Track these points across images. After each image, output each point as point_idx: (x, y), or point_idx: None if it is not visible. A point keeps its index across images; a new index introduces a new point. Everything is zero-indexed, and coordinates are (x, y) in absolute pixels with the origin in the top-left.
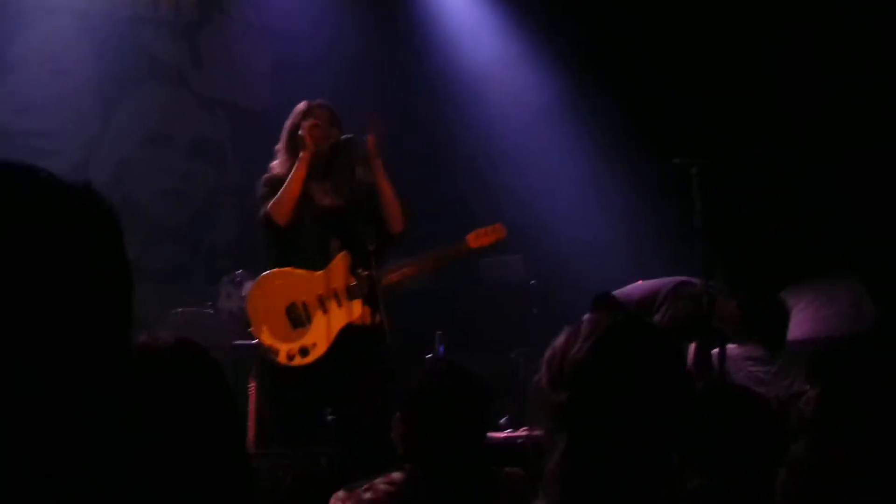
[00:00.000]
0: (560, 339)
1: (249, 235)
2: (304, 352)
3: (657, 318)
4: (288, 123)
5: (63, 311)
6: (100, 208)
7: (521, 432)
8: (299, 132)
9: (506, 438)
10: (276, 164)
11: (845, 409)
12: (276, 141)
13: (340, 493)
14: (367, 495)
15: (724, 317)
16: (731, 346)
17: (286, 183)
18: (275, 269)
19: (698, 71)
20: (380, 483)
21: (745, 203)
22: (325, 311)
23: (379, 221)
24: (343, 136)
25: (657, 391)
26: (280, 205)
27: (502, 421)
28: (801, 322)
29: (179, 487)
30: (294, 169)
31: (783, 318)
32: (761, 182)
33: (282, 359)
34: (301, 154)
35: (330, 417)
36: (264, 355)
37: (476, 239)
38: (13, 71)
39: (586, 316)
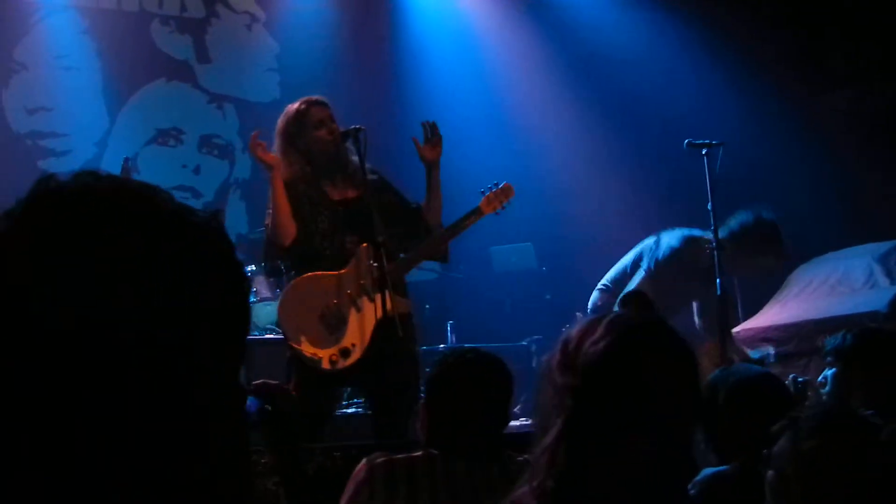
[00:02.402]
0: (580, 326)
1: (259, 229)
2: (345, 353)
3: None
4: (280, 126)
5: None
6: (219, 250)
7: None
8: (259, 153)
9: (519, 427)
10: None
11: (859, 388)
12: None
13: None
14: (381, 460)
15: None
16: (745, 328)
17: (273, 207)
18: (301, 277)
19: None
20: (400, 455)
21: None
22: (359, 309)
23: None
24: (351, 128)
25: (665, 399)
26: (278, 229)
27: (516, 409)
28: (816, 301)
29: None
30: (273, 191)
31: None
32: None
33: (325, 365)
34: (272, 175)
35: (340, 413)
36: (308, 364)
37: (489, 204)
38: (21, 71)
39: (614, 310)
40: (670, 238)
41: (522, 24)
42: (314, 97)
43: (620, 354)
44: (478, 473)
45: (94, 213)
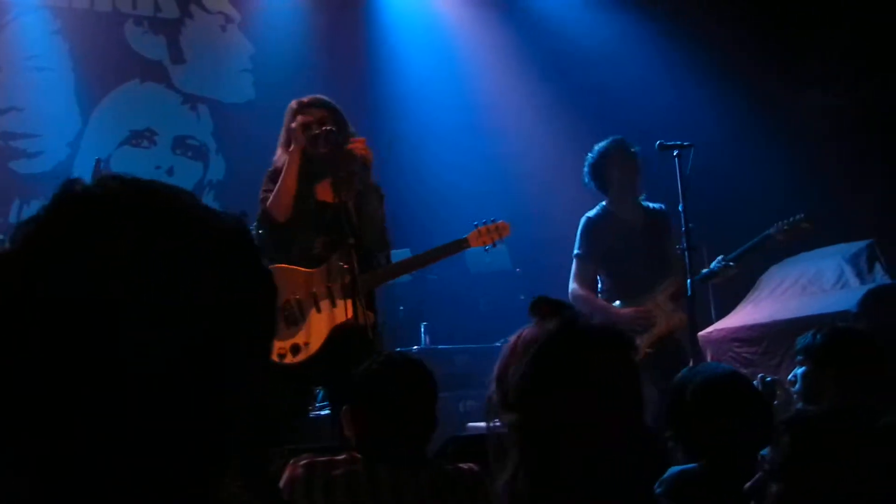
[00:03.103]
0: (503, 354)
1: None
2: (295, 350)
3: None
4: (285, 119)
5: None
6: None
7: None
8: (293, 125)
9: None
10: (277, 158)
11: (829, 387)
12: (259, 135)
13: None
14: (303, 462)
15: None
16: (717, 328)
17: (281, 179)
18: (273, 266)
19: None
20: (322, 458)
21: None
22: (319, 310)
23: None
24: (341, 132)
25: (604, 408)
26: (278, 201)
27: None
28: (787, 301)
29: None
30: (286, 164)
31: None
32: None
33: (273, 357)
34: (292, 148)
35: (314, 415)
36: None
37: (479, 238)
38: None
39: (524, 329)
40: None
41: (497, 25)
42: (318, 97)
43: (541, 369)
44: (402, 479)
45: (119, 217)
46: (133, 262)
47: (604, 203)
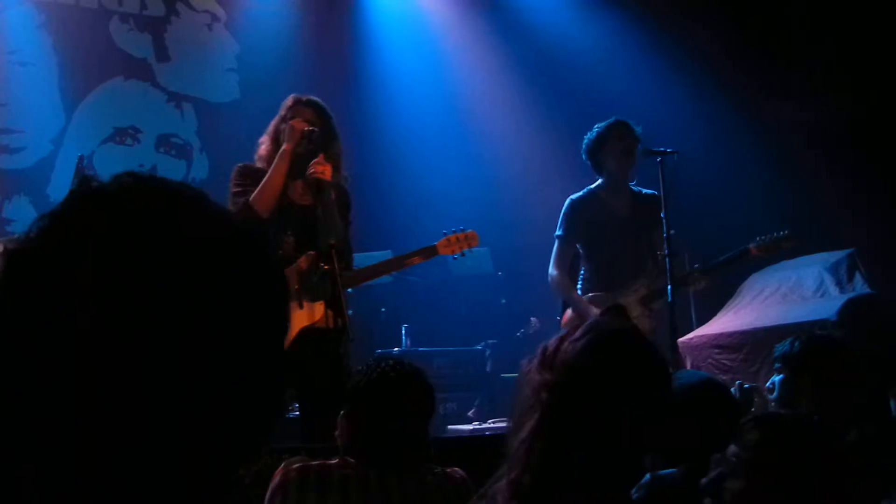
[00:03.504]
0: (558, 335)
1: None
2: None
3: None
4: (277, 118)
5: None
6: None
7: (489, 424)
8: (287, 123)
9: (473, 430)
10: (259, 157)
11: (807, 395)
12: (244, 134)
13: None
14: (296, 465)
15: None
16: (697, 335)
17: (269, 175)
18: None
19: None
20: (315, 462)
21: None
22: None
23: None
24: (307, 129)
25: (633, 397)
26: (263, 196)
27: (470, 413)
28: (768, 309)
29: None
30: (277, 161)
31: None
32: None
33: None
34: (284, 146)
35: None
36: None
37: (447, 246)
38: None
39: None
40: None
41: (484, 29)
42: (309, 97)
43: (598, 351)
44: (393, 485)
45: (135, 212)
46: (150, 258)
47: (592, 186)
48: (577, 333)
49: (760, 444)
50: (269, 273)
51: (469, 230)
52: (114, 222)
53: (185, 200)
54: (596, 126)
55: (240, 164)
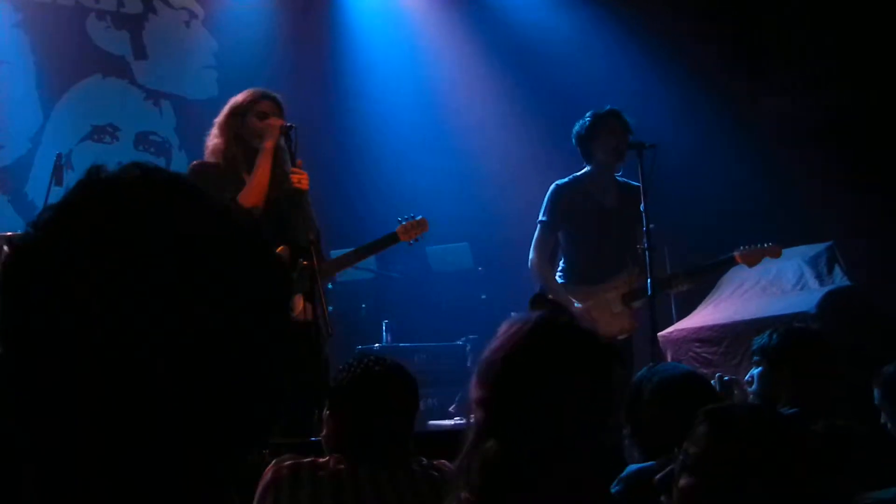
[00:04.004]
0: (492, 342)
1: None
2: None
3: None
4: (226, 109)
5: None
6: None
7: (470, 420)
8: (266, 121)
9: (454, 425)
10: (212, 151)
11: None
12: None
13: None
14: (287, 462)
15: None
16: (678, 328)
17: (256, 174)
18: None
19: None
20: (306, 459)
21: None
22: None
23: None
24: (285, 125)
25: (569, 397)
26: (252, 194)
27: (451, 408)
28: (748, 302)
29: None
30: (262, 159)
31: None
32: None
33: None
34: (268, 144)
35: None
36: None
37: (406, 233)
38: None
39: (513, 315)
40: None
41: (461, 24)
42: (268, 90)
43: (519, 354)
44: (383, 479)
45: (141, 203)
46: (153, 254)
47: (579, 174)
48: (497, 342)
49: (708, 439)
50: (271, 269)
51: (420, 217)
52: (119, 218)
53: (190, 195)
54: (589, 114)
55: (195, 163)
